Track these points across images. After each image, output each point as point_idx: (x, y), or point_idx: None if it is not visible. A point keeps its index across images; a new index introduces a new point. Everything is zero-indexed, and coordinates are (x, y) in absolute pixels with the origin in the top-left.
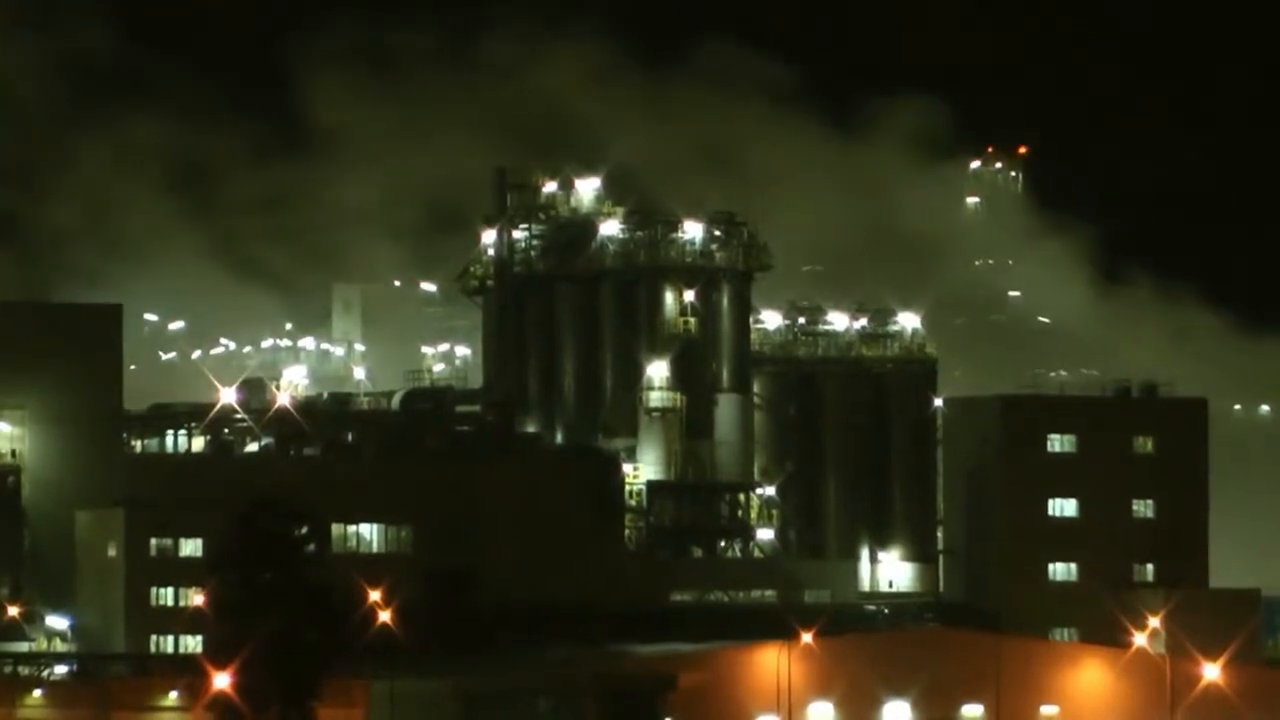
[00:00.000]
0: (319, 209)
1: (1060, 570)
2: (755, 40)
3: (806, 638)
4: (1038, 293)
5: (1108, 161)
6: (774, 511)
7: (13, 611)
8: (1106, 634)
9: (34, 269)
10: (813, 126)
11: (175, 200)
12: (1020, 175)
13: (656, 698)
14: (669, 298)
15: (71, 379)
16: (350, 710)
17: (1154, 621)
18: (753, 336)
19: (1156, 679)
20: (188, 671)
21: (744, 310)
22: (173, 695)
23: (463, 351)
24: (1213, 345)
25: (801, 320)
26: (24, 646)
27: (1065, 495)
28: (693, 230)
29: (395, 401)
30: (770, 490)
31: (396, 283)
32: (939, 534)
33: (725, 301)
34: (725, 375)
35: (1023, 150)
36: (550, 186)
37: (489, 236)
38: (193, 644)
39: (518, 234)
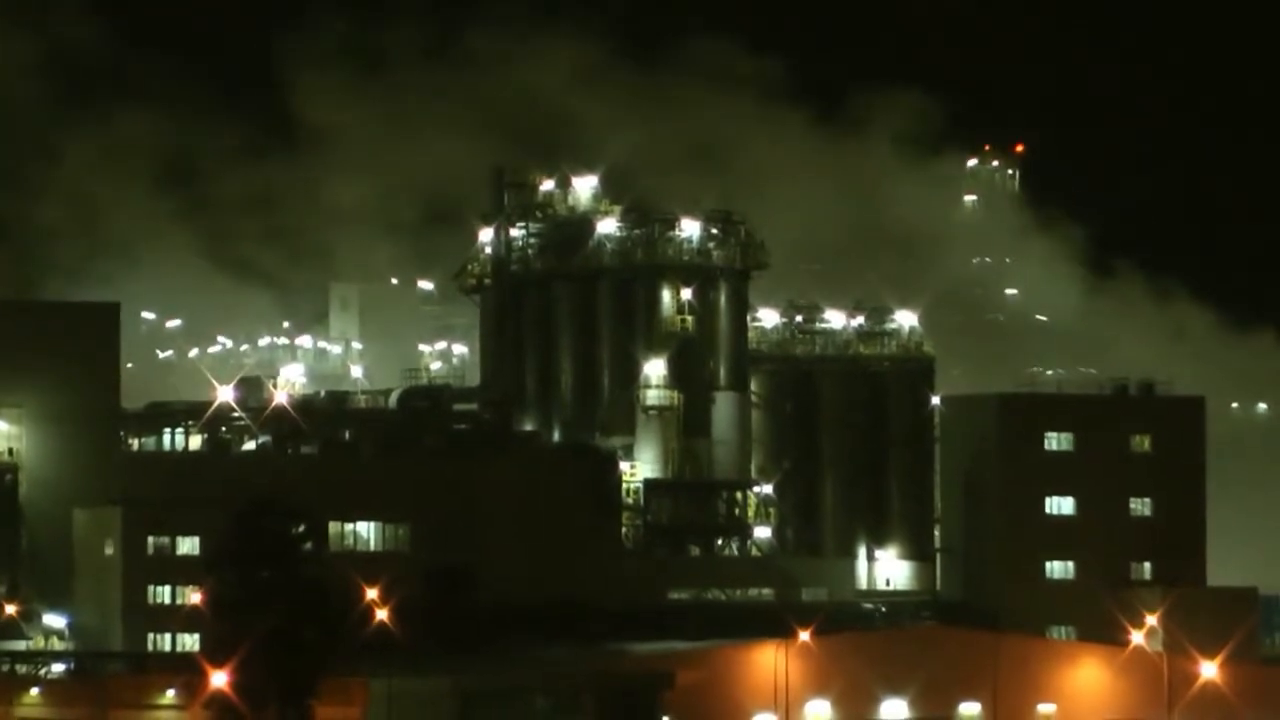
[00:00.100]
0: (314, 207)
1: (1058, 568)
2: (746, 36)
3: (804, 636)
4: (1035, 291)
5: (1105, 160)
6: (771, 510)
7: (10, 610)
8: (1104, 632)
9: (26, 268)
10: (806, 124)
11: (170, 199)
12: (1017, 173)
13: (654, 696)
14: (666, 296)
15: (69, 377)
16: (348, 709)
17: (1151, 620)
18: (750, 335)
19: (1154, 677)
20: (185, 670)
21: (741, 308)
22: (170, 693)
23: (460, 350)
24: (1210, 344)
25: (799, 318)
26: (21, 645)
27: (1062, 493)
28: (690, 229)
29: (393, 400)
30: (767, 488)
31: (394, 281)
32: (936, 532)
33: (722, 300)
34: (722, 373)
35: (1020, 148)
36: (547, 185)
37: (486, 235)
38: (190, 642)
39: (515, 232)
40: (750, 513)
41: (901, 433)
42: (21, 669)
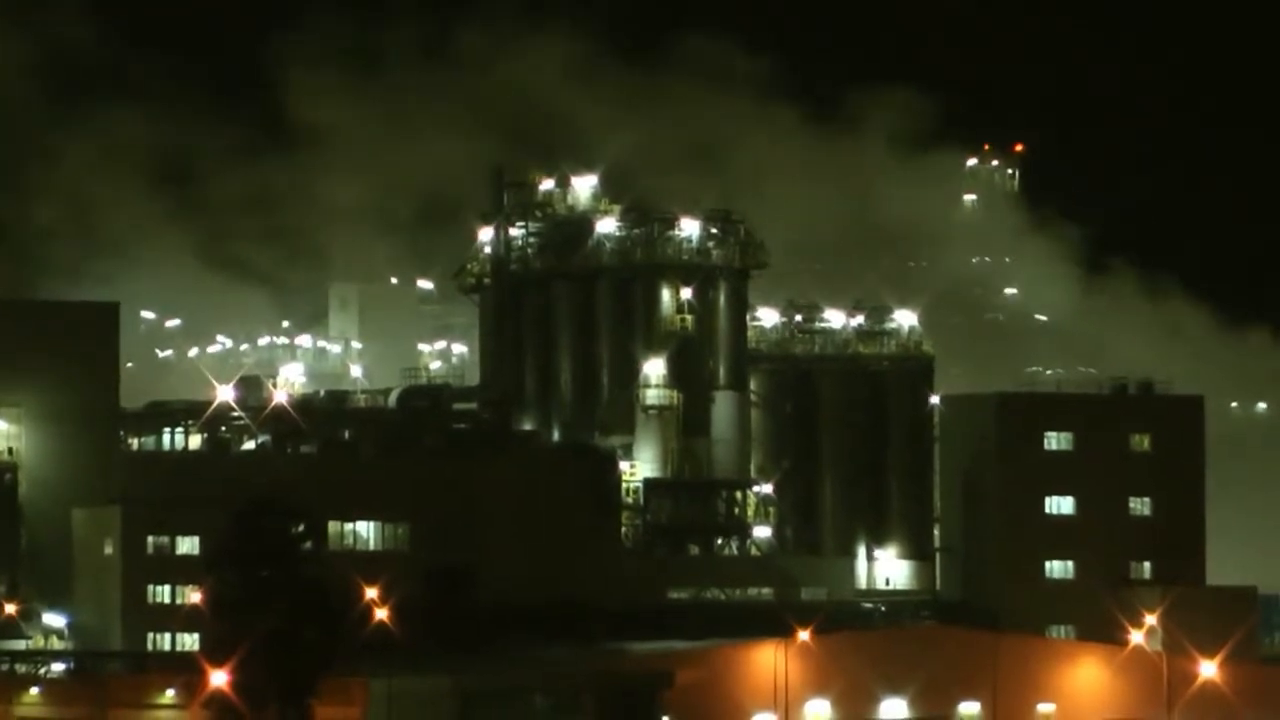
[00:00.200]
0: (313, 207)
1: (1057, 568)
2: (745, 35)
3: (803, 635)
4: (1034, 291)
5: (1104, 160)
6: (771, 509)
7: (10, 609)
8: (1103, 632)
9: (25, 268)
10: (805, 123)
11: (169, 199)
12: (1017, 173)
13: (654, 695)
14: (666, 295)
15: (68, 377)
16: (348, 708)
17: (1151, 619)
18: (749, 334)
19: (1153, 676)
20: (185, 669)
21: (741, 308)
22: (170, 693)
23: (459, 349)
24: (1209, 343)
25: (798, 318)
26: (21, 644)
27: (1062, 493)
28: (689, 228)
29: (392, 399)
30: (767, 488)
31: (393, 281)
32: (936, 532)
33: (722, 299)
34: (722, 373)
35: (1019, 148)
36: (547, 184)
37: (486, 234)
38: (190, 642)
39: (515, 232)
40: (750, 512)
41: (901, 432)
42: (21, 668)
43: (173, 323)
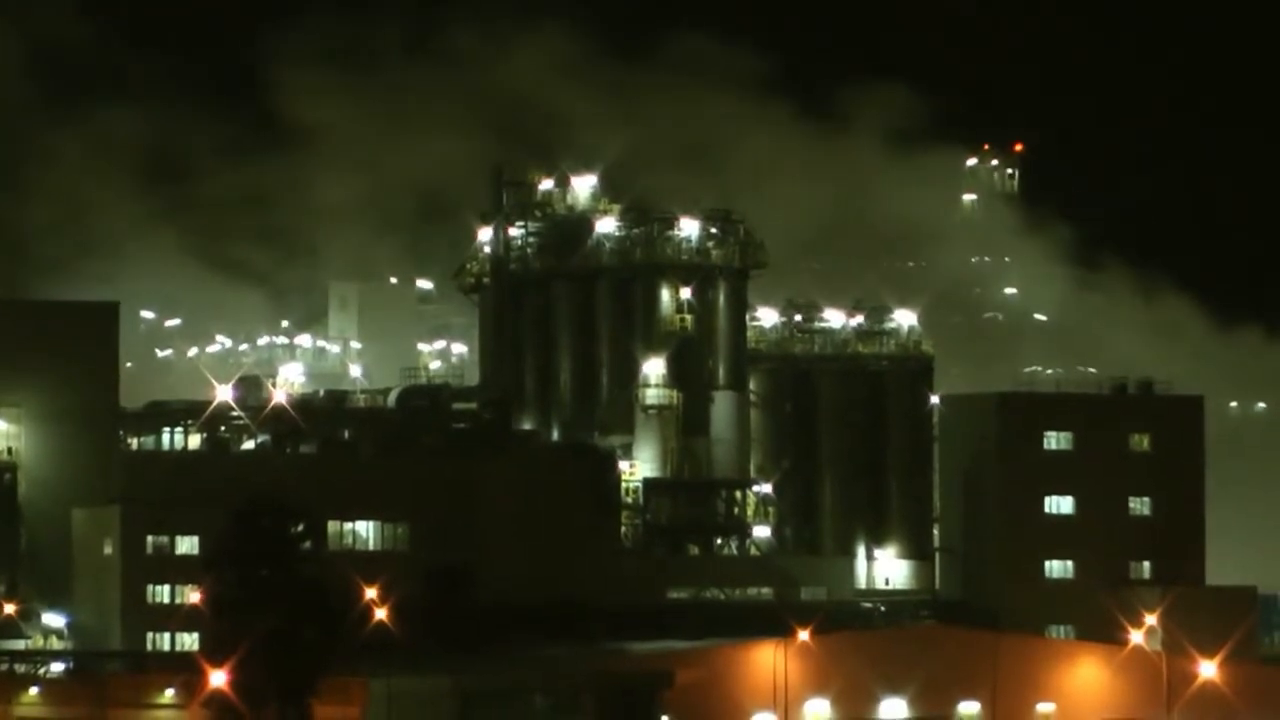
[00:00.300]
0: (312, 207)
1: (1057, 568)
2: (746, 34)
3: (803, 635)
4: (1033, 290)
5: (1104, 160)
6: (770, 509)
7: (9, 609)
8: (1103, 631)
9: (24, 268)
10: (804, 122)
11: (168, 199)
12: (1017, 173)
13: (654, 695)
14: (665, 295)
15: (68, 376)
16: (348, 708)
17: (1150, 619)
18: (749, 334)
19: (1153, 676)
20: (184, 669)
21: (740, 307)
22: (169, 693)
23: (459, 349)
24: (1209, 343)
25: (798, 318)
26: (21, 644)
27: (1062, 493)
28: (689, 228)
29: (392, 399)
30: (766, 488)
31: (393, 280)
32: (935, 531)
33: (721, 299)
34: (721, 372)
35: (1019, 148)
36: (546, 184)
37: (485, 234)
38: (189, 641)
39: (514, 232)
40: (749, 512)
41: (900, 432)
42: (21, 668)
43: (172, 322)
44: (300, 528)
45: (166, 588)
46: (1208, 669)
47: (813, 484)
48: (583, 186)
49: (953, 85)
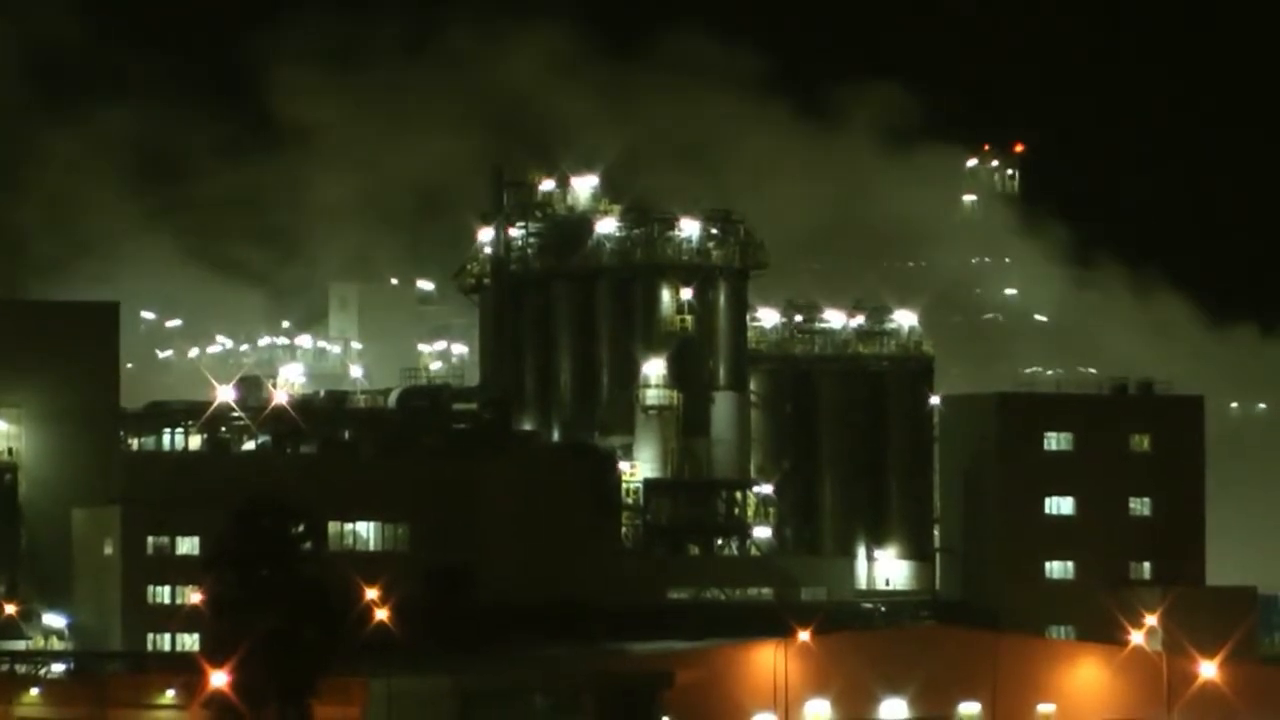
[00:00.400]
0: (312, 207)
1: (1057, 568)
2: (743, 33)
3: (803, 635)
4: (1034, 291)
5: (1104, 160)
6: (770, 509)
7: (10, 610)
8: (1103, 632)
9: (24, 269)
10: (802, 122)
11: (168, 199)
12: (1017, 173)
13: (654, 695)
14: (665, 295)
15: (68, 377)
16: (348, 708)
17: (1151, 619)
18: (749, 334)
19: (1153, 677)
20: (185, 669)
21: (740, 308)
22: (170, 693)
23: (459, 349)
24: (1209, 343)
25: (798, 318)
26: (21, 645)
27: (1062, 493)
28: (689, 228)
29: (392, 399)
30: (767, 488)
31: (393, 281)
32: (935, 532)
33: (722, 299)
34: (722, 373)
35: (1019, 148)
36: (547, 184)
37: (485, 234)
38: (190, 642)
39: (514, 232)
40: (749, 512)
41: (901, 432)
42: (21, 669)
43: (173, 323)
44: (300, 528)
45: (167, 588)
46: (1208, 669)
47: (813, 484)
48: (583, 187)
49: (953, 85)
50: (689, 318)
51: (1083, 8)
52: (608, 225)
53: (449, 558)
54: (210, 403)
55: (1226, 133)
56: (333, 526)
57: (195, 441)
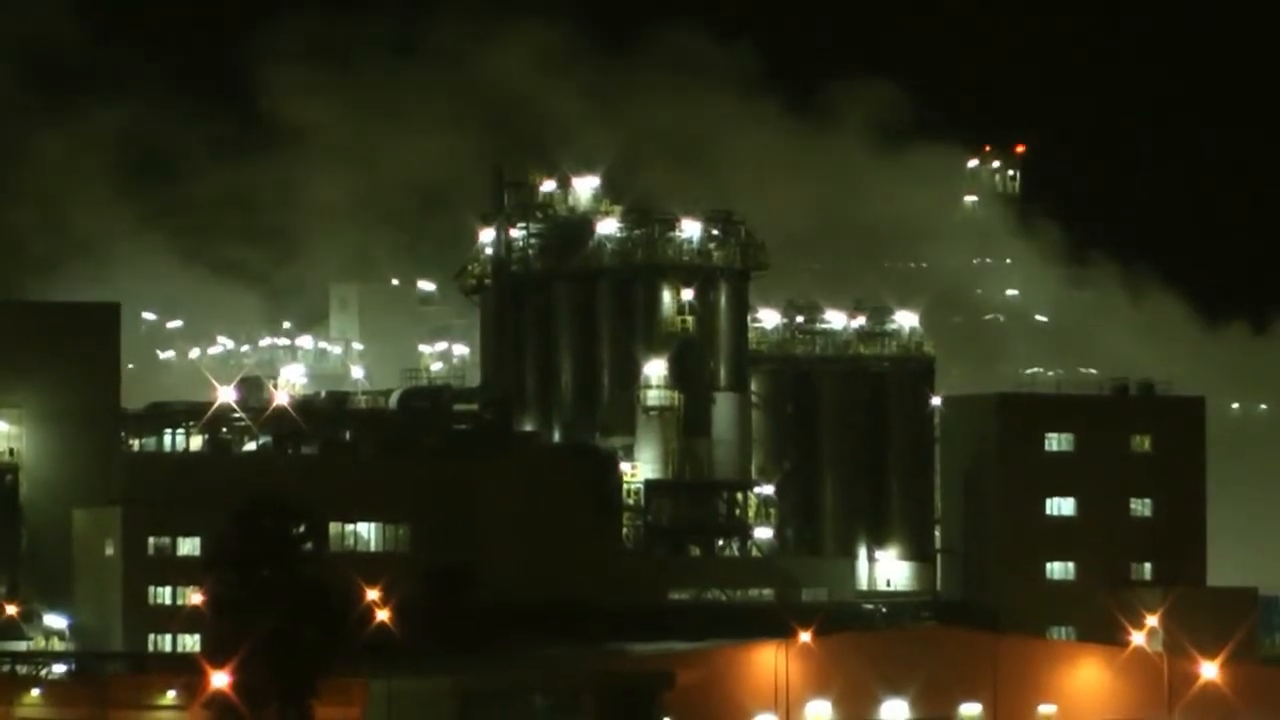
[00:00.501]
0: (313, 207)
1: (1058, 569)
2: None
3: (804, 636)
4: (1035, 291)
5: (1105, 160)
6: (771, 510)
7: (10, 610)
8: (1104, 633)
9: (19, 268)
10: (802, 122)
11: (168, 199)
12: (1018, 174)
13: (654, 696)
14: (666, 296)
15: (69, 377)
16: (348, 709)
17: (1152, 620)
18: (750, 335)
19: (1154, 677)
20: (186, 670)
21: (741, 309)
22: (171, 694)
23: (460, 350)
24: (1209, 344)
25: (799, 319)
26: (22, 645)
27: (1063, 494)
28: (690, 229)
29: (393, 400)
30: (768, 489)
31: (394, 281)
32: (936, 533)
33: (723, 300)
34: (723, 374)
35: (1020, 149)
36: (548, 185)
37: (486, 235)
38: (191, 643)
39: (515, 233)
40: (750, 513)
41: (902, 433)
42: (22, 669)
43: (173, 324)
44: (301, 529)
45: (168, 589)
46: (1209, 670)
47: (814, 485)
48: (584, 187)
49: (953, 85)
50: (690, 318)
51: (1083, 8)
52: (609, 226)
53: (449, 558)
54: (211, 403)
55: (1226, 133)
56: (333, 527)
57: (196, 442)
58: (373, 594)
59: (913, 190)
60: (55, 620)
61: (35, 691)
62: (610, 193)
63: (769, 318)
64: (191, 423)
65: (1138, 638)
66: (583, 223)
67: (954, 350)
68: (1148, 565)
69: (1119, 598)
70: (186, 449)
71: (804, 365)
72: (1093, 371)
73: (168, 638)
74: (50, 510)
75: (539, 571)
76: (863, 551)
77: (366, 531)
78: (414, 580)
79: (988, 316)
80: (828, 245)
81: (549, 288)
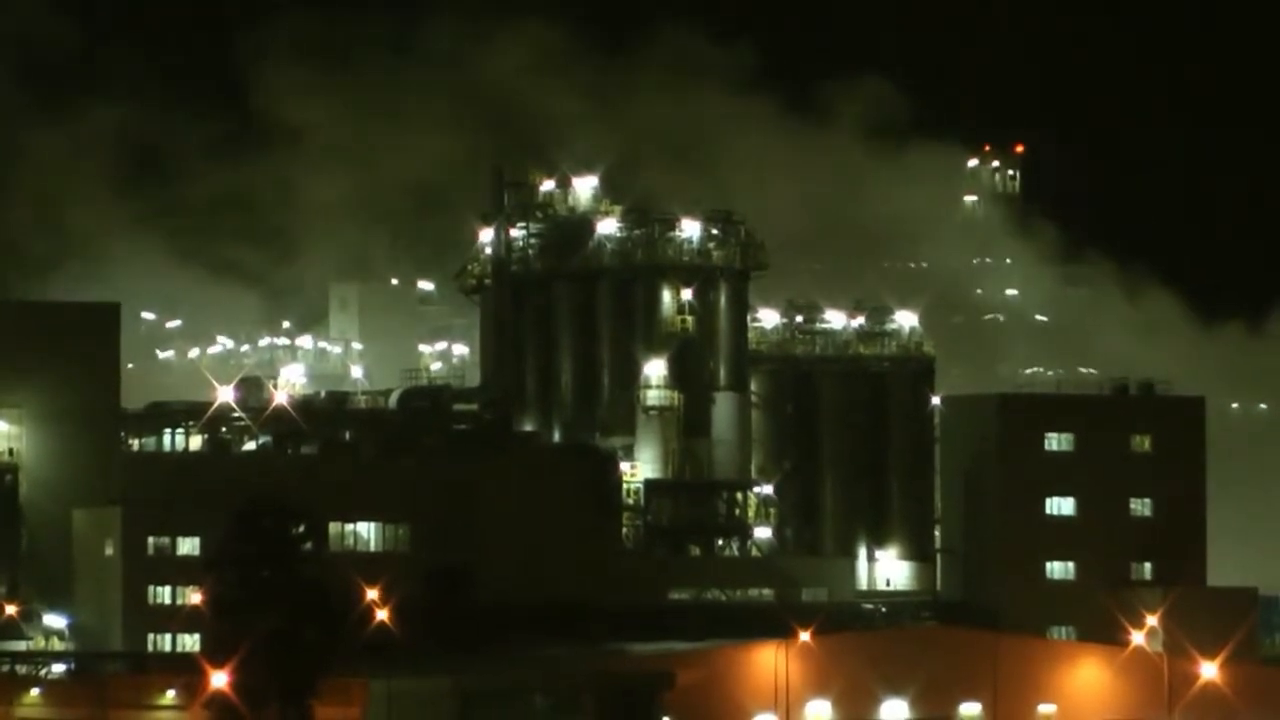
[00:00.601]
0: (313, 208)
1: (1058, 569)
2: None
3: (804, 636)
4: (1034, 291)
5: (1105, 160)
6: (771, 510)
7: (10, 610)
8: (1104, 632)
9: (19, 268)
10: (798, 121)
11: (168, 199)
12: (1017, 174)
13: (654, 696)
14: (666, 296)
15: (69, 377)
16: (348, 709)
17: (1151, 620)
18: (750, 335)
19: (1154, 677)
20: (185, 670)
21: (741, 309)
22: (170, 694)
23: (460, 350)
24: (1208, 343)
25: (799, 318)
26: (22, 645)
27: (1063, 494)
28: (690, 229)
29: (393, 400)
30: (768, 489)
31: (394, 281)
32: (936, 532)
33: (722, 300)
34: (723, 374)
35: (1019, 148)
36: (547, 185)
37: (486, 235)
38: (190, 642)
39: (515, 233)
40: (750, 513)
41: (902, 433)
42: (21, 669)
43: (173, 323)
44: (301, 529)
45: (167, 589)
46: (1209, 670)
47: (814, 485)
48: (584, 187)
49: (952, 85)
50: (690, 318)
51: (1083, 8)
52: (608, 226)
53: (449, 558)
54: (211, 403)
55: (1226, 133)
56: (333, 527)
57: (196, 442)
58: (372, 594)
59: (912, 190)
60: (55, 620)
61: (35, 691)
62: (610, 193)
63: (769, 318)
64: (191, 423)
65: (1138, 638)
66: (583, 223)
67: (954, 350)
68: (1148, 565)
69: (1119, 598)
70: (186, 449)
71: (804, 365)
72: (1092, 371)
73: (167, 638)
74: (50, 510)
75: (539, 571)
76: (863, 551)
77: (366, 531)
78: (414, 580)
79: (987, 316)
80: (827, 245)
81: (549, 288)
